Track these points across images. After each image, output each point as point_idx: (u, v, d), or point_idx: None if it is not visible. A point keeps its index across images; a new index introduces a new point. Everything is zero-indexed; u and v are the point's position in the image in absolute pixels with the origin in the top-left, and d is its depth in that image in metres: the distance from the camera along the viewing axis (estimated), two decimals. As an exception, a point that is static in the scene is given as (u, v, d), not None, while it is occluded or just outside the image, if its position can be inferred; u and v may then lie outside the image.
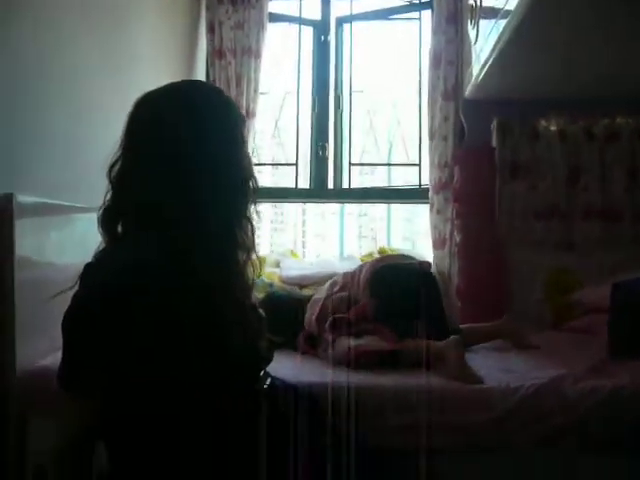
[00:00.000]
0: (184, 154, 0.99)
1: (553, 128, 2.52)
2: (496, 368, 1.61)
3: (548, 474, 1.41)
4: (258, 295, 2.08)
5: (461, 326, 1.99)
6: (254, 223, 1.09)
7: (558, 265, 2.43)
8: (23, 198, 1.53)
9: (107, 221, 1.02)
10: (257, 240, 1.12)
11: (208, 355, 0.96)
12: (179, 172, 0.99)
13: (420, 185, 2.92)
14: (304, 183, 3.01)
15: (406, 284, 1.83)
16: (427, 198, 2.73)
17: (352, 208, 3.35)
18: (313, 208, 3.46)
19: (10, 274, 1.51)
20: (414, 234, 3.40)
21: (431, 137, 2.70)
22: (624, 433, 1.39)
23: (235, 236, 1.04)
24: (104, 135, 1.92)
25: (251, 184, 1.07)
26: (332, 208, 3.31)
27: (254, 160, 1.16)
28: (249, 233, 1.07)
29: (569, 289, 2.36)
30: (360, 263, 2.69)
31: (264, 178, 3.09)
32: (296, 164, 3.02)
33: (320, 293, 1.95)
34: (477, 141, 2.45)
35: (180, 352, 0.92)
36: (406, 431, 1.40)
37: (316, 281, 2.58)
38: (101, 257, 0.99)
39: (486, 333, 1.94)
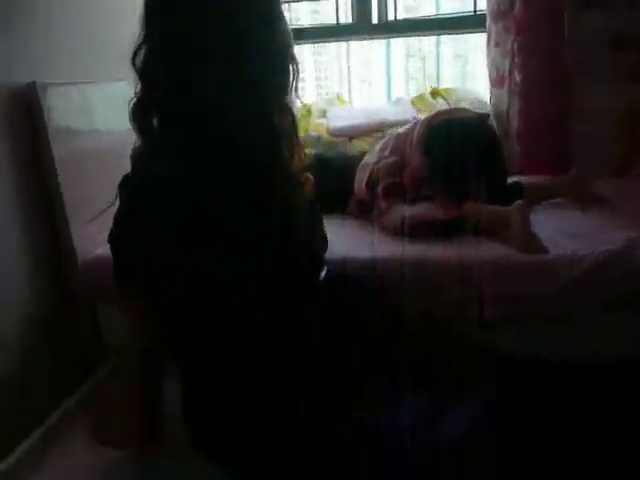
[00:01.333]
0: (212, 34, 0.88)
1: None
2: (562, 232, 1.51)
3: (612, 339, 1.39)
4: (306, 152, 2.00)
5: (522, 180, 1.87)
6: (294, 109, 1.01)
7: (632, 99, 2.18)
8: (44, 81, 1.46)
9: (139, 115, 0.94)
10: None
11: (263, 261, 0.94)
12: (208, 57, 0.88)
13: (475, 11, 2.60)
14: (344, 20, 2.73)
15: (463, 140, 1.65)
16: (483, 27, 2.43)
17: (398, 49, 3.03)
18: (357, 52, 3.17)
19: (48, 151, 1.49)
20: (467, 74, 3.10)
21: (489, -47, 2.32)
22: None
23: (276, 127, 0.96)
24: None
25: (290, 65, 0.96)
26: (377, 53, 3.02)
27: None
28: (291, 121, 1.00)
29: (640, 125, 2.16)
30: (410, 108, 2.53)
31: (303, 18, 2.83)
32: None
33: (370, 156, 1.84)
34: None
35: (234, 260, 0.90)
36: (469, 303, 1.40)
37: (366, 131, 2.45)
38: (137, 167, 0.93)
39: (550, 190, 1.82)
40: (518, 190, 1.73)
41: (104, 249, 1.57)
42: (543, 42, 2.16)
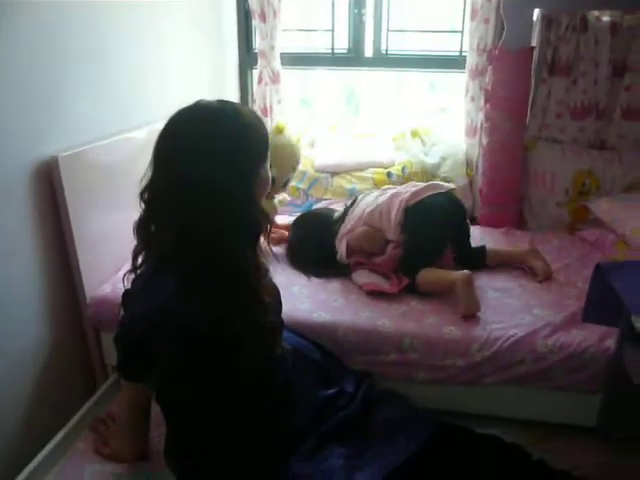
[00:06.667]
0: (197, 193, 1.08)
1: (605, 19, 2.29)
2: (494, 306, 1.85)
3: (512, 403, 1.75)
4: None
5: (488, 248, 2.14)
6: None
7: (585, 167, 2.42)
8: (64, 154, 1.70)
9: (141, 226, 1.17)
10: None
11: (235, 367, 1.14)
12: (195, 209, 1.09)
13: (461, 52, 2.79)
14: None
15: (436, 219, 1.99)
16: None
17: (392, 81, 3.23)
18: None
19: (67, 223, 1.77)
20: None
21: (472, 16, 2.51)
22: (582, 381, 1.66)
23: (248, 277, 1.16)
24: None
25: (257, 225, 1.16)
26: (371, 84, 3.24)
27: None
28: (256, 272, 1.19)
29: (590, 192, 2.41)
30: (390, 147, 2.78)
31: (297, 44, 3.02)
32: (332, 29, 2.92)
33: (344, 227, 2.13)
34: (516, 41, 2.25)
35: (209, 369, 1.11)
36: (402, 366, 1.73)
37: (350, 169, 2.73)
38: (138, 289, 1.15)
39: (510, 256, 2.14)
40: (483, 254, 2.10)
41: (108, 288, 1.91)
42: (510, 109, 2.37)
